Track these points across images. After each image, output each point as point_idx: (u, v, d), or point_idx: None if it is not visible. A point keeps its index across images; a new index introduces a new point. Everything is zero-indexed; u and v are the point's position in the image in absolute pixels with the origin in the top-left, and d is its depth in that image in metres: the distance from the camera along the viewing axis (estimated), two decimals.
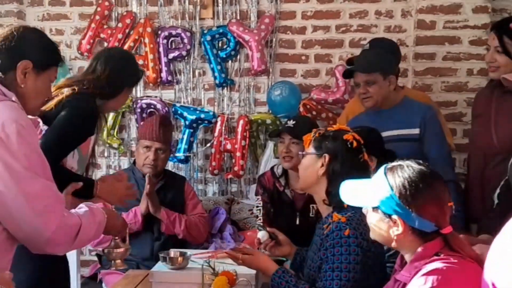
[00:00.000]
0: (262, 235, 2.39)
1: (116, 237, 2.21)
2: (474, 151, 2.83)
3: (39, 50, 1.85)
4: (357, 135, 2.15)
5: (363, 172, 2.02)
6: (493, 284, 1.20)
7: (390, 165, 1.72)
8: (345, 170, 2.06)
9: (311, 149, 2.17)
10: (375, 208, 1.69)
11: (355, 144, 2.11)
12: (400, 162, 1.71)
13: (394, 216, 1.63)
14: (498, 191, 2.42)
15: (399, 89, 3.10)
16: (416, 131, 2.88)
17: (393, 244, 1.67)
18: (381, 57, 2.98)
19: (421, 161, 1.72)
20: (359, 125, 2.61)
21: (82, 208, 1.87)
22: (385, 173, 1.69)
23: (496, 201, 2.41)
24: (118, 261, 2.24)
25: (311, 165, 2.15)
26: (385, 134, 2.75)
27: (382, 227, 1.68)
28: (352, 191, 1.80)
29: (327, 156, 2.11)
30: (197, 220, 3.26)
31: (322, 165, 2.11)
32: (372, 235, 1.76)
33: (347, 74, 3.08)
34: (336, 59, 3.94)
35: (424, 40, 3.76)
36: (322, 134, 2.17)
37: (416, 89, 3.64)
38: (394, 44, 3.27)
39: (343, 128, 2.24)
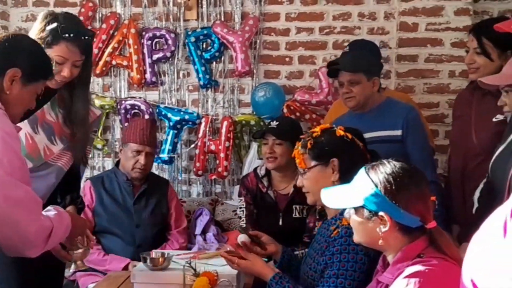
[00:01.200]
0: (241, 238, 2.36)
1: (76, 238, 2.14)
2: (455, 152, 2.84)
3: (31, 61, 1.85)
4: (342, 127, 2.14)
5: (366, 159, 1.98)
6: (472, 281, 1.19)
7: (370, 164, 1.72)
8: (354, 163, 1.98)
9: (312, 162, 2.10)
10: (359, 208, 1.68)
11: (349, 135, 2.10)
12: (380, 161, 1.71)
13: (381, 213, 1.62)
14: (478, 194, 2.43)
15: (381, 90, 3.11)
16: (398, 132, 2.86)
17: (380, 242, 1.66)
18: (367, 58, 2.99)
19: (400, 159, 1.72)
20: (342, 126, 2.61)
21: (51, 211, 1.88)
22: (366, 172, 1.69)
23: (476, 205, 2.42)
24: (79, 262, 2.18)
25: (322, 176, 2.08)
26: (367, 135, 2.71)
27: (367, 227, 1.67)
28: (333, 195, 1.79)
29: (335, 160, 2.06)
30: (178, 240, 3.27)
31: (333, 171, 2.06)
32: (356, 238, 1.75)
33: (332, 73, 3.08)
34: (319, 60, 3.95)
35: (406, 42, 3.79)
36: (314, 143, 2.11)
37: (399, 91, 3.66)
38: (375, 45, 3.28)
39: (326, 127, 2.20)
